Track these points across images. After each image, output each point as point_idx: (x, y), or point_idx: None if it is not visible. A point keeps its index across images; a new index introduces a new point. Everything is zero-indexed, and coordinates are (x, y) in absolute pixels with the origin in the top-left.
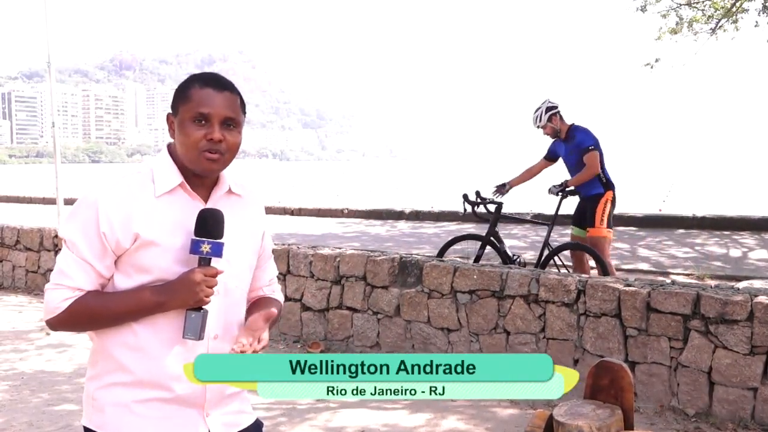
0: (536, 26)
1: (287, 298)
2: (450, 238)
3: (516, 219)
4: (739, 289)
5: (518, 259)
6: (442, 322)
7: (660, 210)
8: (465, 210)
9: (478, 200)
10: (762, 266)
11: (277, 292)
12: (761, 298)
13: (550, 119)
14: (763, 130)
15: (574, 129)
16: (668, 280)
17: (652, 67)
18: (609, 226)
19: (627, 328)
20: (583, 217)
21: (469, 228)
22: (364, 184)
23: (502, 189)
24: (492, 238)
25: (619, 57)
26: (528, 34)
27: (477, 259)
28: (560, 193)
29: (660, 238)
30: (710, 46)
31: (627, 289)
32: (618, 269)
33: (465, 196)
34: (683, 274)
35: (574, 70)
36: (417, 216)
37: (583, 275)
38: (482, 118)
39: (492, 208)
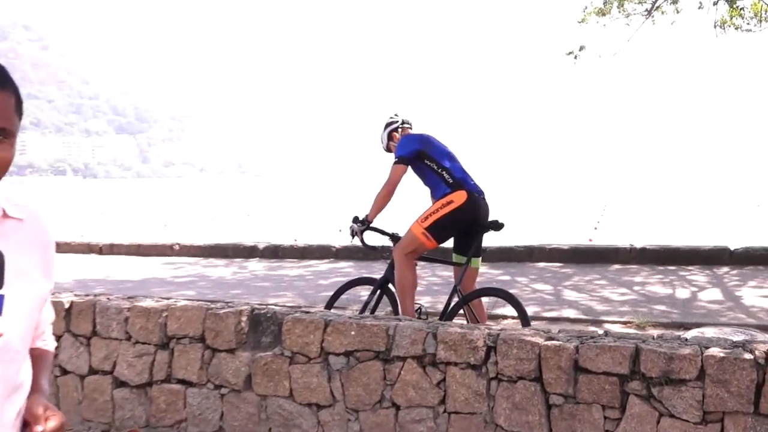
0: (437, 14)
1: (92, 370)
2: (343, 284)
3: (429, 259)
4: (687, 339)
5: (420, 309)
6: (309, 396)
7: (591, 240)
8: (353, 234)
9: (371, 228)
10: (715, 309)
11: (49, 340)
12: (713, 351)
13: (390, 137)
14: (710, 131)
15: None
16: (601, 331)
17: (576, 57)
18: (434, 235)
19: (550, 395)
20: (460, 242)
21: (348, 268)
22: (202, 209)
23: None
24: (390, 285)
25: (537, 45)
26: (424, 20)
27: (372, 311)
28: (362, 232)
29: (591, 276)
30: (646, 31)
31: (549, 344)
32: (539, 317)
33: (356, 219)
34: (619, 323)
35: (485, 63)
36: (275, 253)
37: (493, 327)
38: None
39: (386, 241)
